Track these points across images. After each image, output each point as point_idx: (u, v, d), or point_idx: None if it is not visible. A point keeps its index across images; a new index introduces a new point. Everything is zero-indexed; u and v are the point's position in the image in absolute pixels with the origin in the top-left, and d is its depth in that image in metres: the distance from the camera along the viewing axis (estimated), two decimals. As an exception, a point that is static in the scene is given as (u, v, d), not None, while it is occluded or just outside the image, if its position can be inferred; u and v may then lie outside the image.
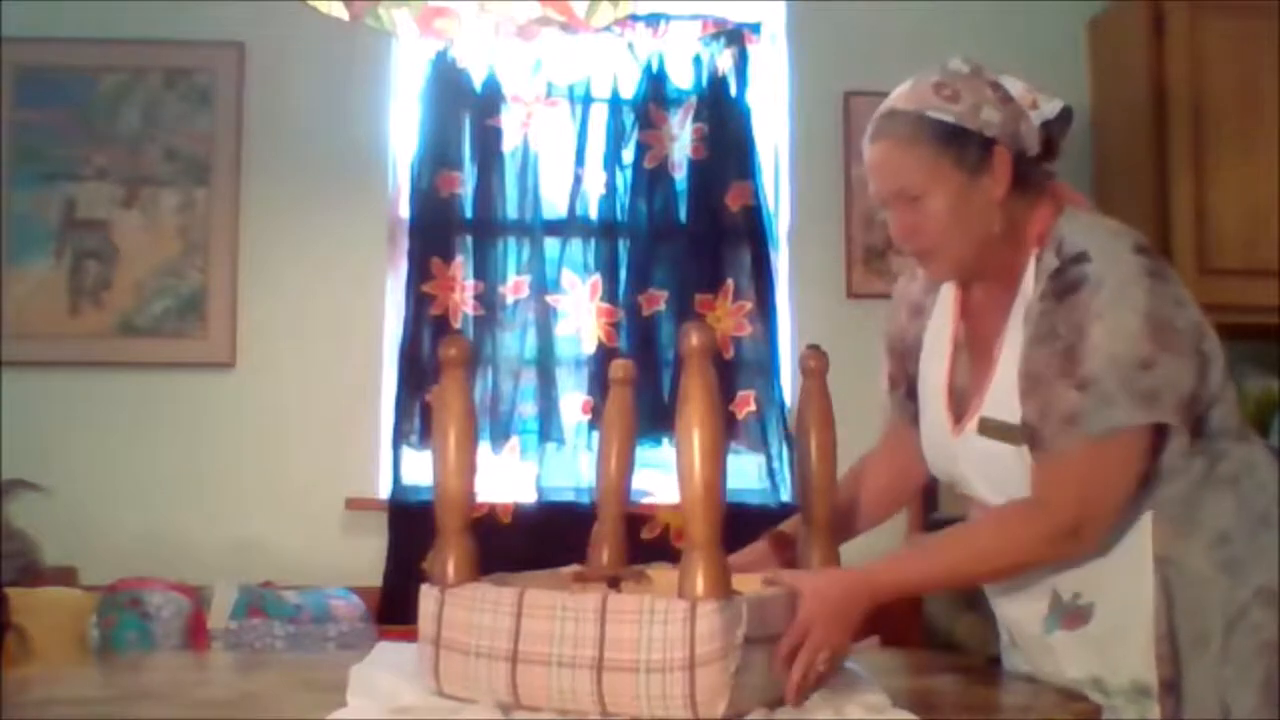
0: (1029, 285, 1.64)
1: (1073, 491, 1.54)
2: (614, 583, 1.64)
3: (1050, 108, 1.67)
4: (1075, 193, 1.75)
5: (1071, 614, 1.65)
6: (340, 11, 2.22)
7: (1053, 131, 1.68)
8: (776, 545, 1.82)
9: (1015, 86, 1.67)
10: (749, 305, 3.47)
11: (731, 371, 3.44)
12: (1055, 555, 1.59)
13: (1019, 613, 1.73)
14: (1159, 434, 1.57)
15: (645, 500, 3.26)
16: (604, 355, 3.42)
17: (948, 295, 1.79)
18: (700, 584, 1.33)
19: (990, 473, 1.65)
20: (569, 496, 3.38)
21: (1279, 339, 3.39)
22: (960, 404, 1.71)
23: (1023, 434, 1.59)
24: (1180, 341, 1.56)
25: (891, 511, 1.97)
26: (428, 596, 1.49)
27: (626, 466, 1.74)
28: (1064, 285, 1.58)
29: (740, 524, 3.54)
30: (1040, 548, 1.57)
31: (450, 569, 1.48)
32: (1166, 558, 1.60)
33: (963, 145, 1.61)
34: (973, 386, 1.70)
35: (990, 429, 1.63)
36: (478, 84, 3.48)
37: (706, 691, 1.32)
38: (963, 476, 1.72)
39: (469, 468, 1.50)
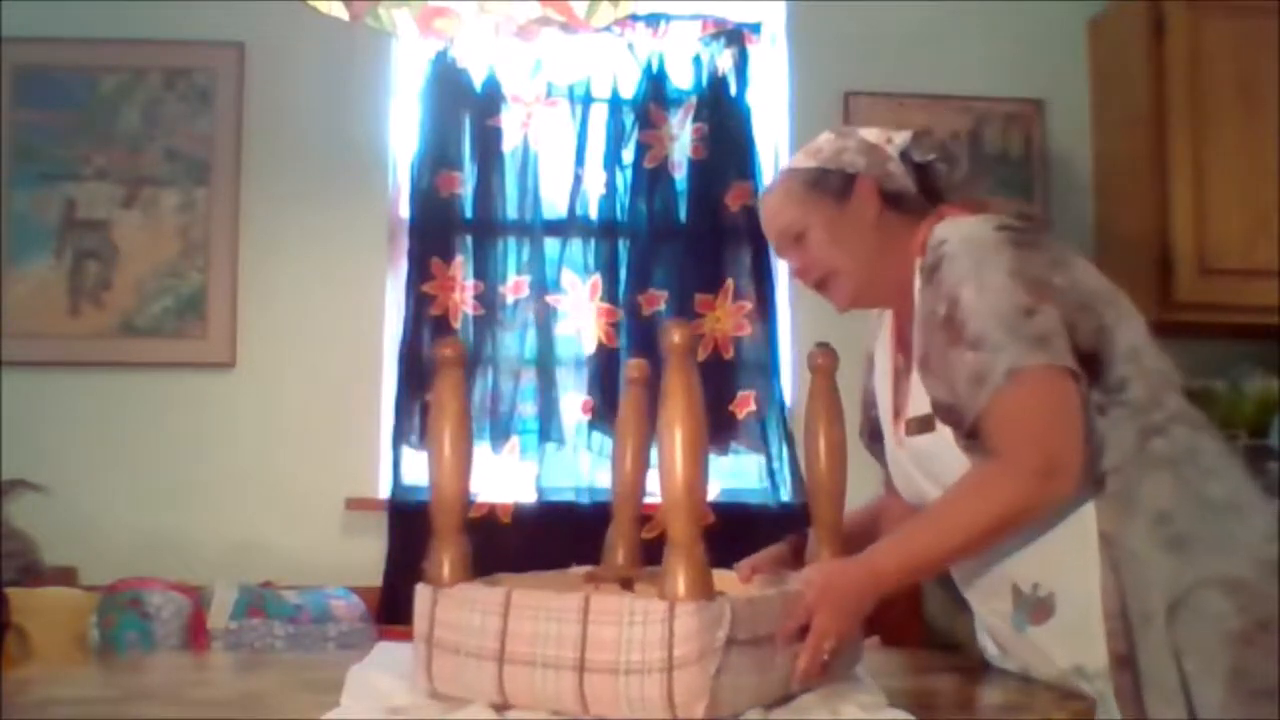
0: (916, 291, 1.74)
1: (1023, 435, 1.57)
2: (628, 584, 1.64)
3: (900, 137, 1.83)
4: (962, 205, 1.82)
5: (1035, 608, 1.68)
6: (340, 11, 2.22)
7: (922, 170, 1.82)
8: (795, 548, 1.88)
9: (872, 134, 1.86)
10: (749, 305, 3.47)
11: (731, 371, 3.45)
12: (1039, 498, 1.59)
13: (992, 614, 1.77)
14: (1073, 381, 1.60)
15: (645, 501, 3.26)
16: (604, 355, 3.42)
17: (885, 332, 1.89)
18: (680, 585, 1.32)
19: (931, 471, 1.71)
20: (569, 496, 3.38)
21: (1279, 339, 3.39)
22: (898, 421, 1.79)
23: (940, 416, 1.65)
24: (1057, 295, 1.63)
25: None
26: (422, 595, 1.49)
27: (642, 467, 1.75)
28: (929, 269, 1.69)
29: (740, 524, 3.54)
30: (1015, 491, 1.58)
31: (445, 569, 1.49)
32: (1110, 537, 1.62)
33: (826, 182, 1.81)
34: (903, 402, 1.78)
35: (912, 426, 1.72)
36: (478, 84, 3.48)
37: (685, 693, 1.31)
38: (919, 487, 1.76)
39: (464, 468, 1.50)
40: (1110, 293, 1.70)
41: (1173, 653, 1.59)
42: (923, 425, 1.69)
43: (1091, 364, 1.63)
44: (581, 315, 3.46)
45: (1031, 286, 1.61)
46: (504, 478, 3.39)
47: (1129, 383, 1.66)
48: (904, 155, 1.82)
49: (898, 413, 1.80)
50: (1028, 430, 1.58)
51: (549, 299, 3.45)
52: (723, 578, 1.45)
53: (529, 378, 3.43)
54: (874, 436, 1.93)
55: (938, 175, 1.84)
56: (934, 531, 1.63)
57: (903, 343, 1.83)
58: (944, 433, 1.65)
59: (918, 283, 1.73)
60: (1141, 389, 1.66)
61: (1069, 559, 1.64)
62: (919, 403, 1.70)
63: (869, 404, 1.95)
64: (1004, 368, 1.57)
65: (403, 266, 3.46)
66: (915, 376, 1.72)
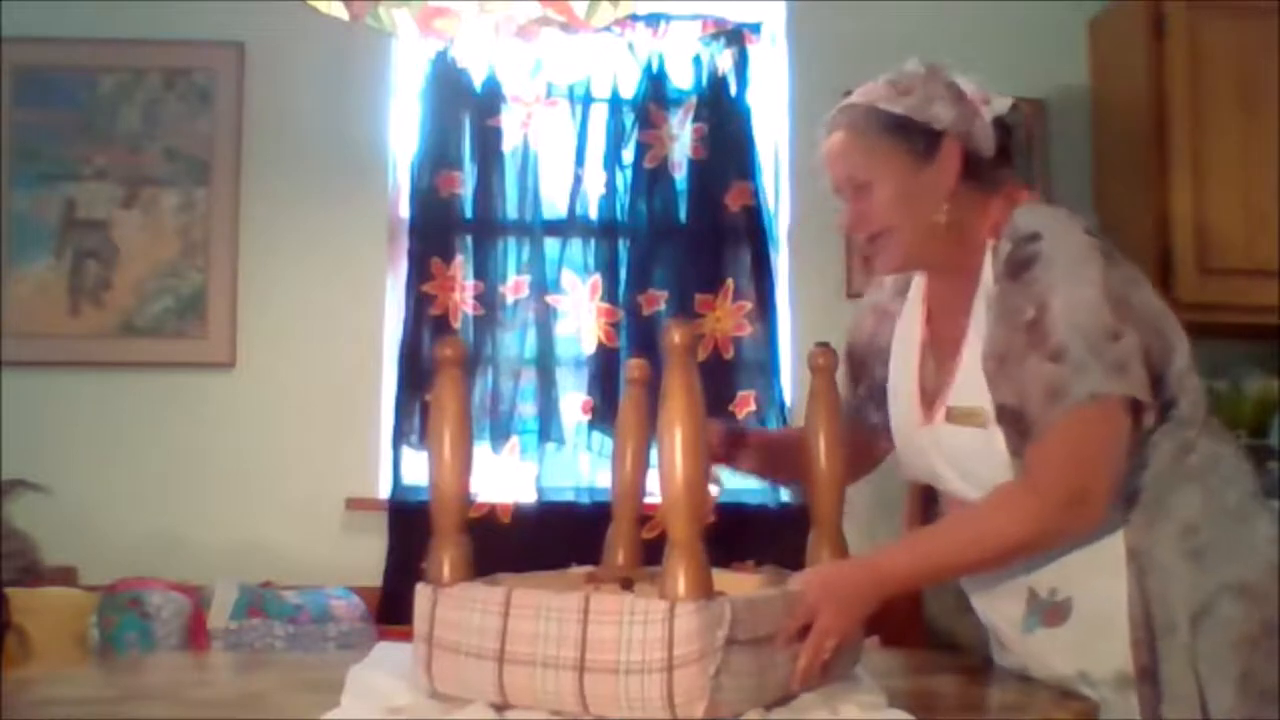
0: (988, 275, 1.66)
1: (1062, 462, 1.55)
2: (628, 584, 1.64)
3: (1000, 103, 1.69)
4: (1032, 190, 1.76)
5: (1049, 611, 1.67)
6: (340, 11, 2.22)
7: (1007, 134, 1.71)
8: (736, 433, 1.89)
9: (969, 86, 1.70)
10: (749, 305, 3.47)
11: (731, 371, 3.44)
12: (1060, 529, 1.58)
13: (999, 614, 1.75)
14: (1135, 410, 1.58)
15: (645, 500, 3.26)
16: (604, 355, 3.42)
17: (915, 300, 1.82)
18: (680, 584, 1.33)
19: (960, 462, 1.68)
20: (569, 496, 3.38)
21: (1279, 339, 3.39)
22: (928, 401, 1.74)
23: (1002, 419, 1.60)
24: (1137, 318, 1.59)
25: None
26: (422, 595, 1.50)
27: (642, 467, 1.75)
28: (1017, 264, 1.61)
29: (740, 524, 3.53)
30: (1038, 522, 1.56)
31: (445, 569, 1.49)
32: (1139, 548, 1.62)
33: (909, 135, 1.66)
34: (939, 381, 1.72)
35: (956, 415, 1.66)
36: (478, 84, 3.48)
37: (684, 693, 1.31)
38: (933, 470, 1.74)
39: (464, 467, 1.50)
40: (1166, 310, 1.67)
41: (1191, 660, 1.58)
42: (969, 418, 1.64)
43: (1158, 384, 1.60)
44: (581, 315, 3.46)
45: (1117, 307, 1.56)
46: (504, 478, 3.39)
47: (1176, 401, 1.64)
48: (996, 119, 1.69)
49: (927, 393, 1.74)
50: (1075, 459, 1.55)
51: (549, 299, 3.45)
52: (723, 578, 1.45)
53: (529, 378, 3.43)
54: (871, 395, 1.87)
55: (1015, 146, 1.72)
56: (950, 544, 1.62)
57: (936, 318, 1.77)
58: (993, 433, 1.61)
59: (989, 267, 1.66)
60: (1186, 406, 1.65)
61: (1091, 566, 1.62)
62: (967, 393, 1.65)
63: (866, 355, 1.89)
64: (1084, 390, 1.53)
65: (403, 266, 3.46)
66: (965, 365, 1.66)
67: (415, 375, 3.37)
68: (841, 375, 1.92)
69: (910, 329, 1.81)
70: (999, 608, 1.75)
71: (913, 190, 1.67)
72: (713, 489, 1.76)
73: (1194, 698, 1.58)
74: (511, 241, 3.47)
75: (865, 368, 1.91)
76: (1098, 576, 1.62)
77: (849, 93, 1.76)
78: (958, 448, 1.67)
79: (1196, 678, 1.58)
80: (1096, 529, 1.59)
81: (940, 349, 1.75)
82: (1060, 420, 1.54)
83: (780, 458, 1.91)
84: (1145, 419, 1.60)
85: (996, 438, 1.61)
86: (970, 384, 1.64)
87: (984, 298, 1.66)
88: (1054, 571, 1.65)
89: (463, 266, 3.45)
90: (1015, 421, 1.59)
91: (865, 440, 1.91)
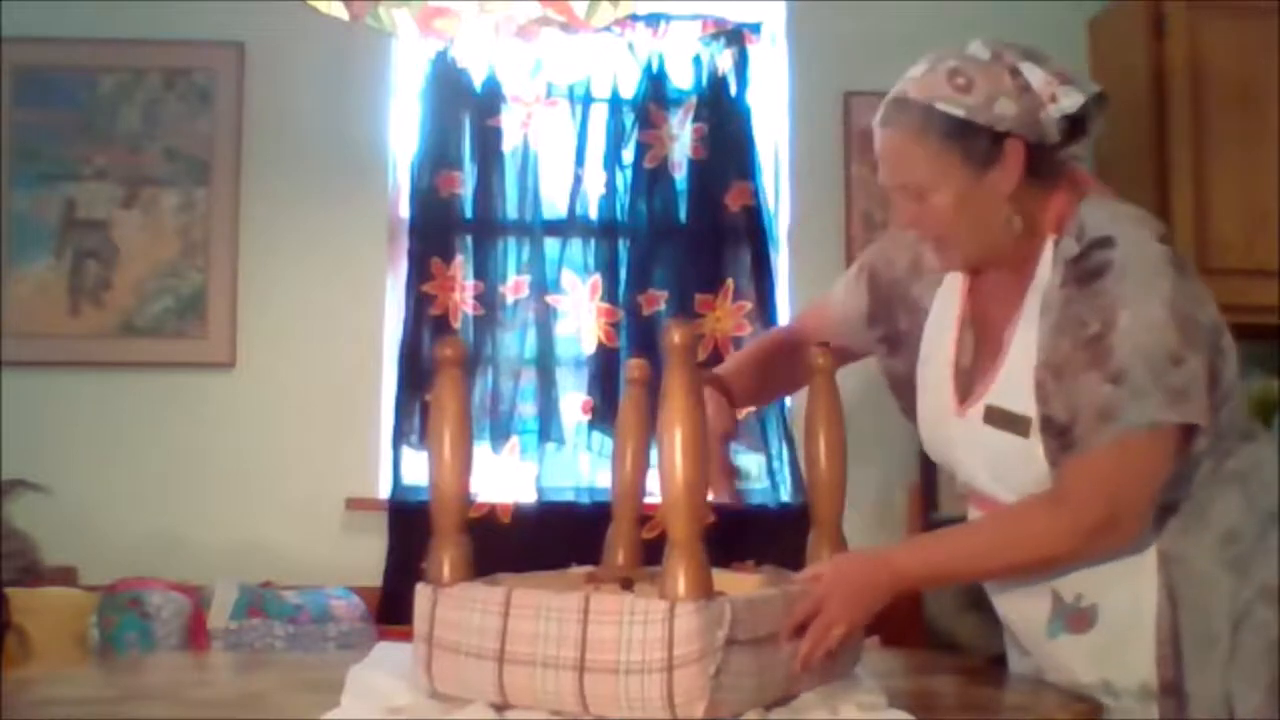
0: (1045, 272, 1.60)
1: (1102, 484, 1.51)
2: (628, 584, 1.64)
3: (1070, 102, 1.58)
4: (1095, 178, 1.70)
5: (1074, 616, 1.64)
6: (340, 11, 2.22)
7: (1083, 112, 1.61)
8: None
9: (1036, 76, 1.59)
10: (749, 305, 3.47)
11: (731, 371, 3.44)
12: (1086, 549, 1.55)
13: (1021, 617, 1.71)
14: (1187, 434, 1.54)
15: (645, 500, 3.26)
16: (604, 355, 3.42)
17: (952, 284, 1.74)
18: (680, 584, 1.32)
19: (992, 463, 1.63)
20: (569, 496, 3.38)
21: (1279, 339, 3.39)
22: (963, 385, 1.67)
23: (1046, 431, 1.55)
24: (1202, 339, 1.54)
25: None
26: (422, 595, 1.49)
27: (642, 467, 1.74)
28: (1087, 271, 1.54)
29: (740, 524, 3.53)
30: (1065, 542, 1.53)
31: (445, 569, 1.49)
32: (1172, 556, 1.58)
33: (971, 140, 1.57)
34: (978, 370, 1.66)
35: (997, 418, 1.60)
36: (478, 84, 3.48)
37: (684, 693, 1.31)
38: (959, 462, 1.70)
39: (464, 467, 1.50)
40: (1223, 324, 1.62)
41: (1224, 670, 1.56)
42: (1011, 423, 1.58)
43: (1211, 404, 1.55)
44: (581, 315, 3.47)
45: (1183, 328, 1.50)
46: (504, 478, 3.39)
47: (1222, 410, 1.60)
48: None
49: (961, 375, 1.67)
50: (1116, 481, 1.51)
51: (549, 299, 3.45)
52: (722, 578, 1.45)
53: (529, 378, 3.43)
54: (886, 340, 1.80)
55: (1086, 131, 1.61)
56: (970, 548, 1.59)
57: (979, 294, 1.69)
58: (1035, 443, 1.56)
59: (1047, 262, 1.59)
60: (1227, 414, 1.61)
61: (1119, 574, 1.59)
62: (1011, 397, 1.58)
63: (892, 300, 1.80)
64: (1140, 417, 1.48)
65: (403, 266, 3.46)
66: (1011, 365, 1.59)
67: (415, 375, 3.37)
68: (849, 287, 1.86)
69: (950, 299, 1.73)
70: (1021, 610, 1.71)
71: (973, 196, 1.58)
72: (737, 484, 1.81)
73: (1222, 706, 1.56)
74: (511, 241, 3.47)
75: (890, 311, 1.81)
76: (1126, 583, 1.59)
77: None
78: (992, 450, 1.61)
79: (1227, 687, 1.56)
80: (1125, 547, 1.56)
81: (982, 331, 1.68)
82: (1108, 441, 1.49)
83: (766, 381, 1.96)
84: (1198, 442, 1.56)
85: (1038, 447, 1.56)
86: (1015, 387, 1.58)
87: (1038, 294, 1.59)
88: (1080, 576, 1.61)
89: (463, 266, 3.45)
90: (1060, 435, 1.54)
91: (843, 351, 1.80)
